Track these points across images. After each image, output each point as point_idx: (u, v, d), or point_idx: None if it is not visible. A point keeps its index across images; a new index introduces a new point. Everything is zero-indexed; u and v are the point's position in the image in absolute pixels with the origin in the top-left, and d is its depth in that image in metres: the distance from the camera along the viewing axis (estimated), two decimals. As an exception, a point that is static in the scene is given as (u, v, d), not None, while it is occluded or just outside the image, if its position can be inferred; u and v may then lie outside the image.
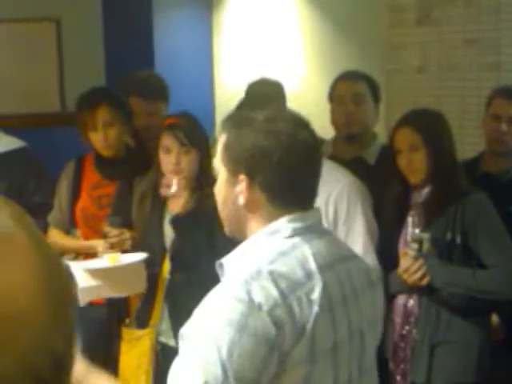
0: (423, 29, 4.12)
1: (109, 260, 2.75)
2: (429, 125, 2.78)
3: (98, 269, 2.76)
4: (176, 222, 2.77)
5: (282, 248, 1.54)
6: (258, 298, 1.42)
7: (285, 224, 1.57)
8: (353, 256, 1.72)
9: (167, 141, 2.78)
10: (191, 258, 2.68)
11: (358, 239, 2.61)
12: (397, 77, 4.23)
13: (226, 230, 1.71)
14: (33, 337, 0.58)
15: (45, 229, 3.18)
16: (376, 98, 3.29)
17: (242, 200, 1.59)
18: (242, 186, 1.59)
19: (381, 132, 3.75)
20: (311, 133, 1.63)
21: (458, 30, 3.98)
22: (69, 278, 0.68)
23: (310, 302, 1.47)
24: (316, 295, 1.48)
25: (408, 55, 4.19)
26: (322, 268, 1.53)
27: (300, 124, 1.62)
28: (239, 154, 1.60)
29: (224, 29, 4.97)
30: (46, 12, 4.83)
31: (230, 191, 1.63)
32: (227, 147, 1.63)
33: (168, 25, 4.71)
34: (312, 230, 1.60)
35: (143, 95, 3.58)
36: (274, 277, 1.46)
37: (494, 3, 3.90)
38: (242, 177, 1.59)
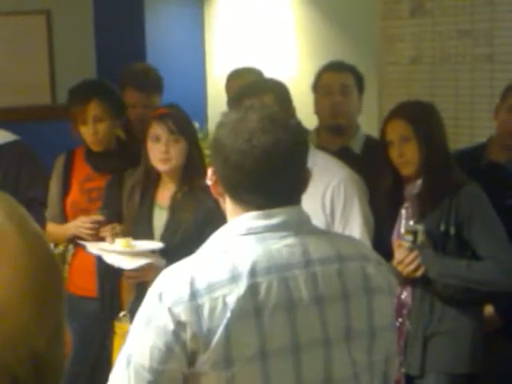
0: (417, 20, 4.10)
1: (122, 245, 2.71)
2: (420, 116, 2.77)
3: (115, 251, 2.71)
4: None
5: (226, 246, 1.52)
6: (166, 294, 1.45)
7: (243, 221, 1.54)
8: (337, 259, 1.55)
9: (156, 129, 2.76)
10: (181, 250, 2.66)
11: (356, 232, 2.60)
12: (390, 68, 4.22)
13: None
14: (10, 333, 0.56)
15: (43, 223, 3.15)
16: (360, 88, 3.27)
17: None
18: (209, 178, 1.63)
19: (374, 124, 3.73)
20: (281, 136, 1.53)
21: (452, 22, 3.96)
22: (59, 275, 0.66)
23: (225, 305, 1.43)
24: (232, 299, 1.43)
25: (401, 47, 4.17)
26: (257, 271, 1.46)
27: (269, 127, 1.52)
28: (210, 146, 1.64)
29: (216, 21, 4.95)
30: (37, 4, 4.80)
31: None
32: None
33: (160, 17, 4.68)
34: (277, 229, 1.52)
35: (140, 88, 3.58)
36: (194, 275, 1.45)
37: (487, -6, 3.88)
38: (210, 169, 1.62)
